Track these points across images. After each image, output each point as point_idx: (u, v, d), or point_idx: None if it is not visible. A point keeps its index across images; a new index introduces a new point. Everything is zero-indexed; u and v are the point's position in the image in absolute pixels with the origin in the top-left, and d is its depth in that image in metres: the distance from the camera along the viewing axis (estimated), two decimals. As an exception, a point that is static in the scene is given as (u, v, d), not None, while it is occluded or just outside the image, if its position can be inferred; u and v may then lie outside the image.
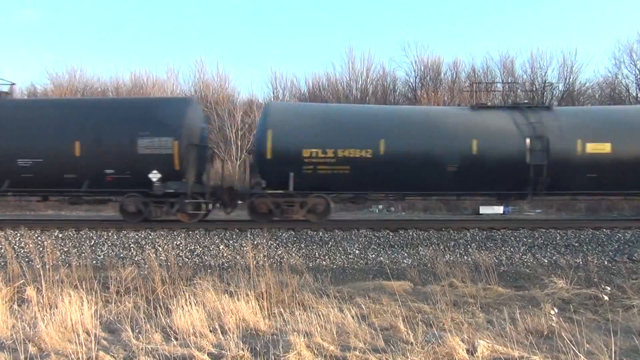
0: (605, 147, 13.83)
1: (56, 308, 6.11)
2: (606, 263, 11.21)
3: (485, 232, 12.95)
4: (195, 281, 7.60)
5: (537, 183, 13.99)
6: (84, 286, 7.00)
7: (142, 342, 5.33)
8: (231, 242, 12.28)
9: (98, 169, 13.56)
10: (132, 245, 12.12)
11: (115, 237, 12.55)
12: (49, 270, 7.27)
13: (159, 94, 39.02)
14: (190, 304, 6.15)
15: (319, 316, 5.87)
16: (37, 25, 66.21)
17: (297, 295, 7.16)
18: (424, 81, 40.02)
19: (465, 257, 11.47)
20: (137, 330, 5.70)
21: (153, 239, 12.38)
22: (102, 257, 11.51)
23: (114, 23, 66.20)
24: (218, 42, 63.79)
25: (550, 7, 62.39)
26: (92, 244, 12.19)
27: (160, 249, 11.71)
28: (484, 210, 22.52)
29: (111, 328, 6.04)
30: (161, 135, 13.49)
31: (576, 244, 12.22)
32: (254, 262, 8.15)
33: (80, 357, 4.88)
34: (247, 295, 6.56)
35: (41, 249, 11.28)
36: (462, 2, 63.59)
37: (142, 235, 12.60)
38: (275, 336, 5.59)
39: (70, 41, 63.47)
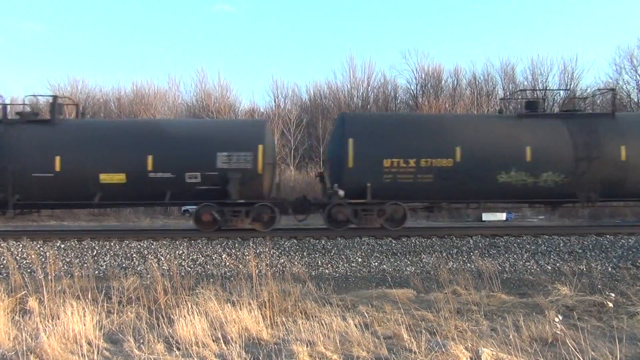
0: None
1: (58, 319, 6.09)
2: (610, 269, 11.16)
3: (488, 239, 12.91)
4: (197, 291, 7.59)
5: None
6: (86, 297, 7.01)
7: (145, 353, 5.32)
8: (233, 251, 12.26)
9: None
10: (134, 255, 12.11)
11: (118, 247, 12.55)
12: (51, 281, 7.26)
13: (160, 103, 39.17)
14: (192, 313, 6.14)
15: (322, 325, 5.85)
16: (40, 37, 66.75)
17: (299, 304, 7.14)
18: (425, 88, 40.20)
19: (469, 264, 11.43)
20: (139, 341, 5.68)
21: (155, 249, 12.38)
22: (104, 267, 11.49)
23: (116, 34, 66.69)
24: (219, 52, 64.28)
25: (551, 13, 62.71)
26: (94, 254, 12.18)
27: (163, 259, 11.70)
28: (487, 217, 22.51)
29: (113, 339, 6.02)
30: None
31: (579, 251, 12.17)
32: (257, 271, 8.12)
33: (83, 368, 4.86)
34: (250, 304, 6.55)
35: (43, 259, 11.30)
36: (462, 9, 63.96)
37: (144, 245, 12.60)
38: (278, 345, 5.56)
39: (72, 52, 64.01)
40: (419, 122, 15.94)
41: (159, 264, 11.10)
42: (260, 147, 14.21)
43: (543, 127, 14.72)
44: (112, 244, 12.75)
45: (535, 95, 32.86)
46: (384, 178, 14.08)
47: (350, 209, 14.22)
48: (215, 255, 12.03)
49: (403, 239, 12.90)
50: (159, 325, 6.24)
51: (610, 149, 14.29)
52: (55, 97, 15.52)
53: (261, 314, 6.41)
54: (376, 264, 11.62)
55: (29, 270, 10.64)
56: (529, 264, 11.54)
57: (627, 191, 14.58)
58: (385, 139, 14.35)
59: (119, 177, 13.87)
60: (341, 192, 14.37)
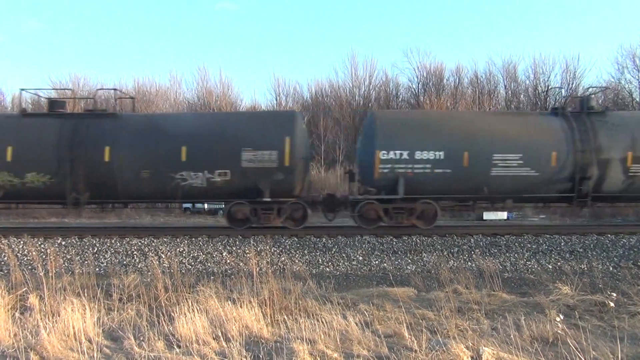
0: None
1: (58, 316, 6.10)
2: (611, 269, 11.14)
3: (489, 238, 12.89)
4: (198, 288, 7.57)
5: None
6: (86, 294, 7.00)
7: (145, 350, 5.31)
8: (234, 248, 12.26)
9: None
10: (135, 252, 12.11)
11: (118, 244, 12.55)
12: (52, 278, 7.26)
13: (162, 101, 39.17)
14: (193, 311, 6.13)
15: (323, 323, 5.85)
16: (41, 34, 66.76)
17: (300, 302, 7.12)
18: (426, 87, 40.08)
19: (469, 263, 11.41)
20: (139, 338, 5.68)
21: (156, 246, 12.38)
22: (105, 264, 11.50)
23: (117, 31, 66.68)
24: (221, 49, 64.23)
25: (553, 12, 62.56)
26: (95, 251, 12.19)
27: (163, 256, 11.70)
28: (488, 216, 22.46)
29: (113, 336, 6.02)
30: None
31: (581, 250, 12.15)
32: (257, 269, 8.11)
33: (83, 365, 4.86)
34: (250, 302, 6.54)
35: (44, 256, 11.30)
36: (464, 8, 63.85)
37: (145, 242, 12.60)
38: (278, 343, 5.56)
39: (74, 49, 63.98)
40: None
41: (159, 262, 11.08)
42: None
43: (34, 127, 14.37)
44: (112, 241, 12.76)
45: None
46: None
47: None
48: (216, 253, 12.03)
49: (404, 238, 12.88)
50: (159, 323, 6.25)
51: (93, 150, 13.88)
52: None
53: (262, 312, 6.40)
54: (377, 262, 11.61)
55: (29, 267, 10.62)
56: (530, 263, 11.52)
57: (120, 193, 14.15)
58: None
59: None
60: None
